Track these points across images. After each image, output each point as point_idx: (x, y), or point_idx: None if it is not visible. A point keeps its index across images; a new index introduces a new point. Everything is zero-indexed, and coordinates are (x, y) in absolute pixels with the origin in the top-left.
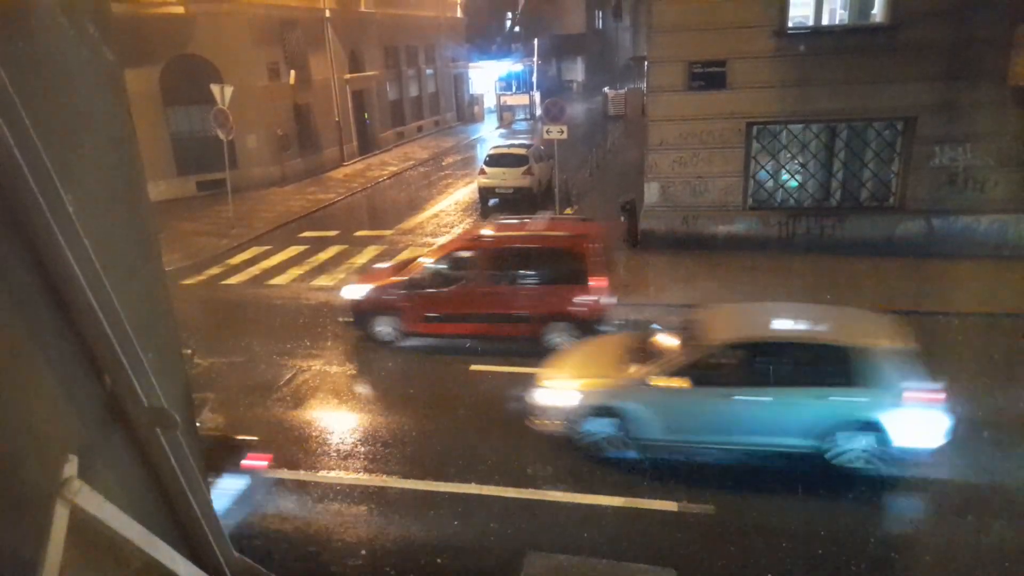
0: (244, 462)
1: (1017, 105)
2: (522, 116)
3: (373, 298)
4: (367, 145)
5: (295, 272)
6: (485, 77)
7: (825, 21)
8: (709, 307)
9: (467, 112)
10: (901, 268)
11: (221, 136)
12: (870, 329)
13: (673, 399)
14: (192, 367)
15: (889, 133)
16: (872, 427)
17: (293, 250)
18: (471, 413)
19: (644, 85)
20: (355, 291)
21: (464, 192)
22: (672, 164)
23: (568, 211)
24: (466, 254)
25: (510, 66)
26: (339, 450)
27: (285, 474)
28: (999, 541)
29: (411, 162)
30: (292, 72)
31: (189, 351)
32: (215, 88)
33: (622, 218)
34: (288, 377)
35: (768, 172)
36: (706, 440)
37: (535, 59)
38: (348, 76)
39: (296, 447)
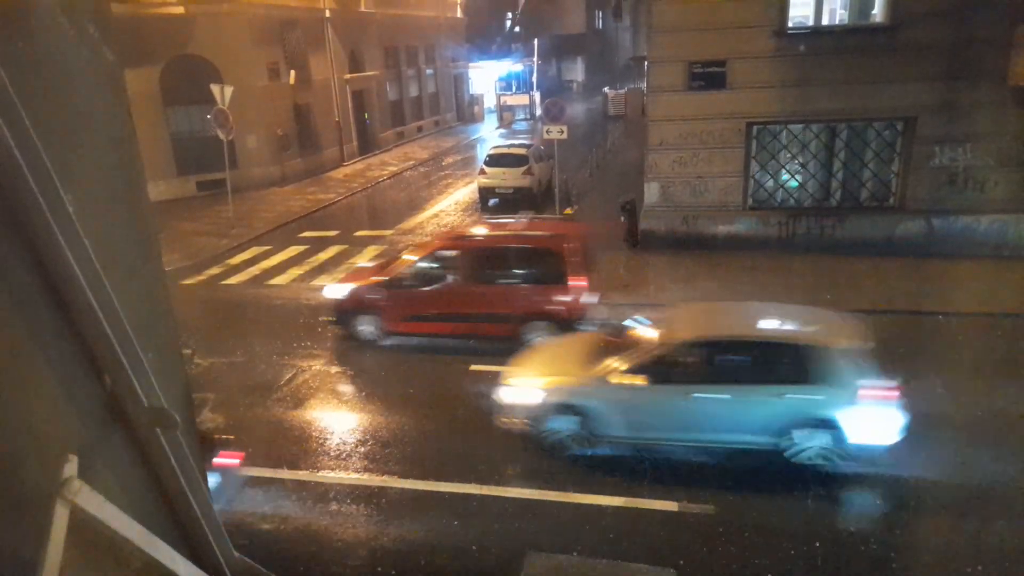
0: (216, 460)
1: (1017, 105)
2: (522, 116)
3: (354, 297)
4: (367, 145)
5: (295, 272)
6: (485, 77)
7: (825, 21)
8: (676, 305)
9: (467, 112)
10: (901, 268)
11: (221, 136)
12: (827, 328)
13: (633, 397)
14: (192, 367)
15: (889, 133)
16: (828, 424)
17: (293, 250)
18: (471, 413)
19: (644, 85)
20: (337, 290)
21: (464, 192)
22: (672, 164)
23: (568, 211)
24: (446, 254)
25: (510, 66)
26: (339, 450)
27: (285, 474)
28: (998, 541)
29: (411, 162)
30: (292, 72)
31: (189, 351)
32: (215, 88)
33: (622, 218)
34: (288, 377)
35: (768, 172)
36: (667, 437)
37: (535, 59)
38: (348, 76)
39: (296, 447)
